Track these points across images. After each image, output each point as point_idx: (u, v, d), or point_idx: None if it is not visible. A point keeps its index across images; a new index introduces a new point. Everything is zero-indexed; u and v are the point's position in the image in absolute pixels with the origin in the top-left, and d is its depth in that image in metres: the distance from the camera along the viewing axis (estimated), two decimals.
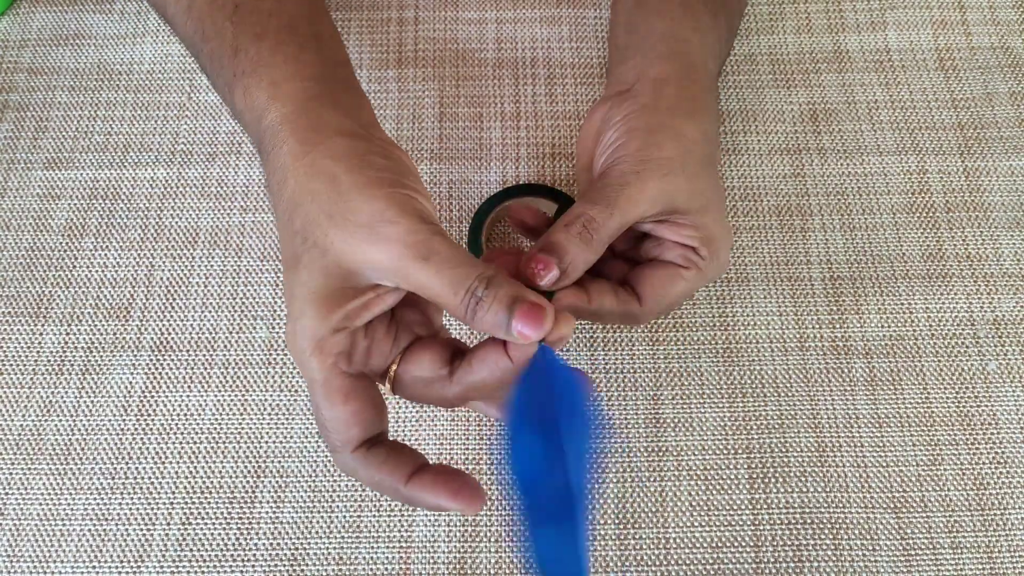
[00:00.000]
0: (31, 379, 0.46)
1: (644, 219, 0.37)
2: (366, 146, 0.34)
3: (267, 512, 0.43)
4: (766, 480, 0.43)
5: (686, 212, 0.37)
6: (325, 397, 0.32)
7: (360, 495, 0.43)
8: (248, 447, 0.44)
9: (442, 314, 0.38)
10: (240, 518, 0.43)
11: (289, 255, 0.33)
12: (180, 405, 0.45)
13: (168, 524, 0.43)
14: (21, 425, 0.45)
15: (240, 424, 0.45)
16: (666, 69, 0.40)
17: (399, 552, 0.42)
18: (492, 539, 0.42)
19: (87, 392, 0.46)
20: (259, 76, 0.35)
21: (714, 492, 0.43)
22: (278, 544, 0.42)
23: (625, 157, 0.38)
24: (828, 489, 0.43)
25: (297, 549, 0.42)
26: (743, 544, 0.42)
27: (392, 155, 0.34)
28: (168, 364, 0.46)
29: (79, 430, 0.45)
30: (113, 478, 0.44)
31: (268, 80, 0.35)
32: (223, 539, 0.43)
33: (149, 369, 0.46)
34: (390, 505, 0.43)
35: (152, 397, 0.45)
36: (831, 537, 0.42)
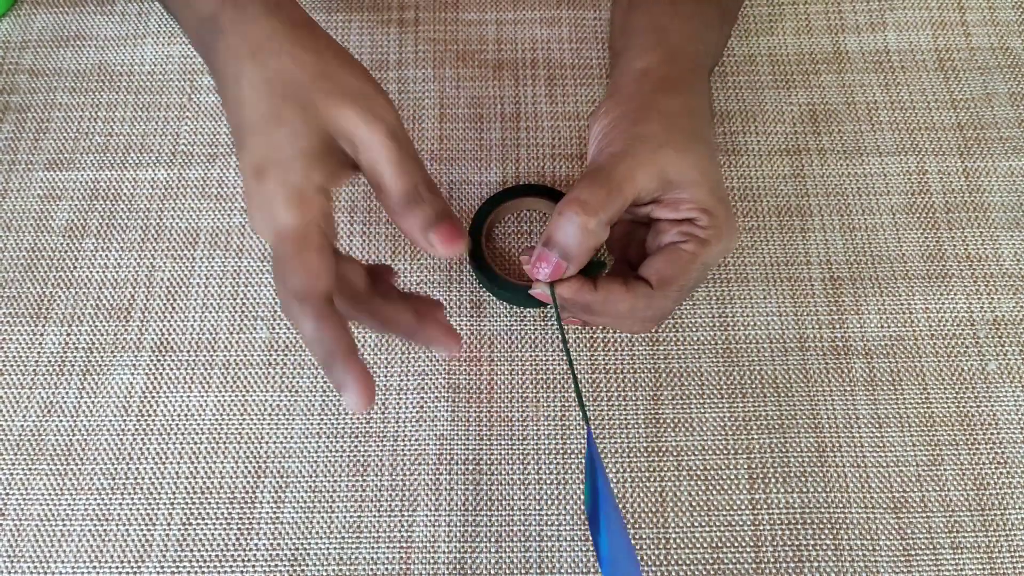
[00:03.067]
0: (32, 379, 0.46)
1: (641, 199, 0.37)
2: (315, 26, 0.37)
3: (267, 512, 0.43)
4: (766, 480, 0.43)
5: (679, 185, 0.37)
6: (300, 248, 0.33)
7: (360, 495, 0.43)
8: (248, 447, 0.44)
9: None
10: (240, 518, 0.43)
11: (260, 116, 0.34)
12: (180, 405, 0.45)
13: (168, 524, 0.43)
14: (22, 425, 0.45)
15: (240, 424, 0.45)
16: (648, 58, 0.41)
17: (399, 552, 0.42)
18: (492, 539, 0.42)
19: (87, 392, 0.46)
20: None
21: (714, 492, 0.43)
22: (278, 544, 0.42)
23: (613, 140, 0.38)
24: (828, 489, 0.43)
25: (297, 549, 0.42)
26: (743, 544, 0.42)
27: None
28: (168, 364, 0.46)
29: (79, 430, 0.45)
30: (113, 478, 0.44)
31: None
32: (223, 539, 0.43)
33: (149, 369, 0.46)
34: (390, 505, 0.43)
35: (152, 397, 0.45)
36: (831, 537, 0.42)
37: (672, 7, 0.42)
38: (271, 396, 0.45)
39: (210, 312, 0.47)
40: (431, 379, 0.46)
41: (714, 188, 0.37)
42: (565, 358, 0.40)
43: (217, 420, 0.45)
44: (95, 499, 0.43)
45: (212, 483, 0.44)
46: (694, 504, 0.43)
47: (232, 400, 0.45)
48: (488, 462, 0.44)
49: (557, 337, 0.47)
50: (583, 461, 0.44)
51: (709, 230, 0.37)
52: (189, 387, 0.46)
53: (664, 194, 0.37)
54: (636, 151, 0.36)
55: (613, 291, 0.37)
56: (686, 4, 0.43)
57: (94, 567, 0.42)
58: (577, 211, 0.35)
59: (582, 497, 0.43)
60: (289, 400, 0.45)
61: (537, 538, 0.42)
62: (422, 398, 0.45)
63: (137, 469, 0.44)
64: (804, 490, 0.43)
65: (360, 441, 0.44)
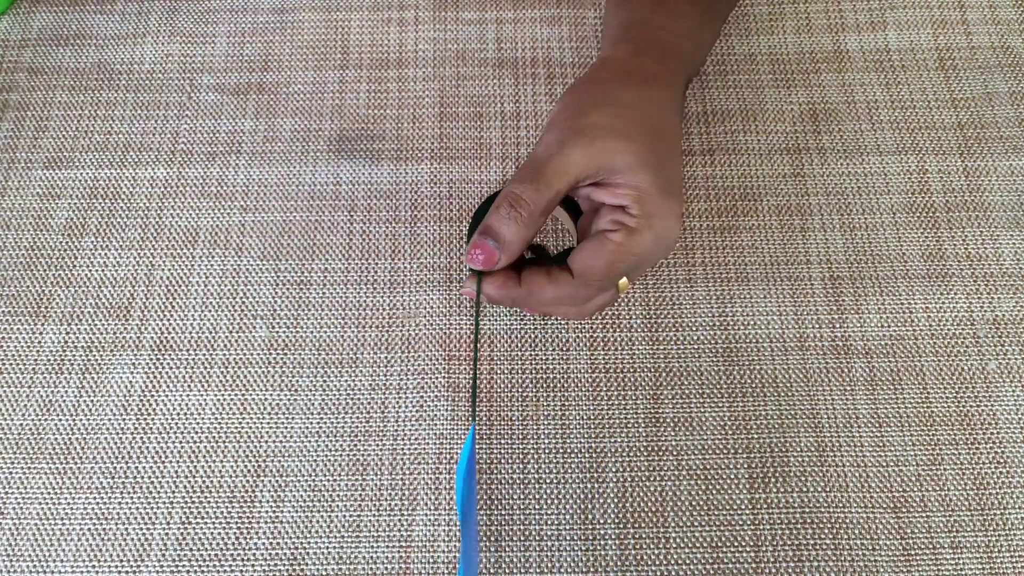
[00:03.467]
0: (31, 378, 0.46)
1: (578, 185, 0.38)
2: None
3: (267, 512, 0.43)
4: (766, 480, 0.43)
5: (619, 171, 0.37)
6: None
7: (360, 494, 0.43)
8: (248, 447, 0.44)
9: None
10: (240, 518, 0.43)
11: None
12: (180, 404, 0.45)
13: (168, 523, 0.43)
14: (21, 424, 0.45)
15: (240, 424, 0.45)
16: (616, 49, 0.41)
17: (399, 552, 0.42)
18: (492, 539, 0.42)
19: (87, 391, 0.46)
20: None
21: (714, 492, 0.43)
22: (278, 544, 0.42)
23: (555, 129, 0.38)
24: (828, 489, 0.43)
25: (297, 549, 0.42)
26: (743, 544, 0.42)
27: None
28: (168, 363, 0.46)
29: (79, 429, 0.45)
30: (113, 477, 0.44)
31: None
32: (223, 539, 0.43)
33: (149, 368, 0.46)
34: (390, 505, 0.43)
35: (152, 396, 0.45)
36: (831, 537, 0.42)
37: (655, 3, 0.43)
38: (271, 395, 0.45)
39: (209, 311, 0.47)
40: (431, 379, 0.46)
41: (655, 176, 0.37)
42: (472, 349, 0.41)
43: (216, 419, 0.45)
44: (94, 498, 0.43)
45: (211, 482, 0.44)
46: (694, 504, 0.43)
47: (231, 399, 0.45)
48: (488, 462, 0.44)
49: (557, 337, 0.46)
50: (583, 461, 0.44)
51: (639, 219, 0.37)
52: (188, 386, 0.46)
53: (606, 178, 0.37)
54: (572, 143, 0.37)
55: (536, 283, 0.39)
56: (670, 2, 0.43)
57: (93, 566, 0.42)
58: (511, 208, 0.37)
59: (581, 496, 0.43)
60: (289, 399, 0.45)
61: (537, 538, 0.42)
62: (422, 398, 0.45)
63: (136, 468, 0.44)
64: (804, 490, 0.43)
65: (360, 441, 0.44)
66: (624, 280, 0.40)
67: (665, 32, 0.43)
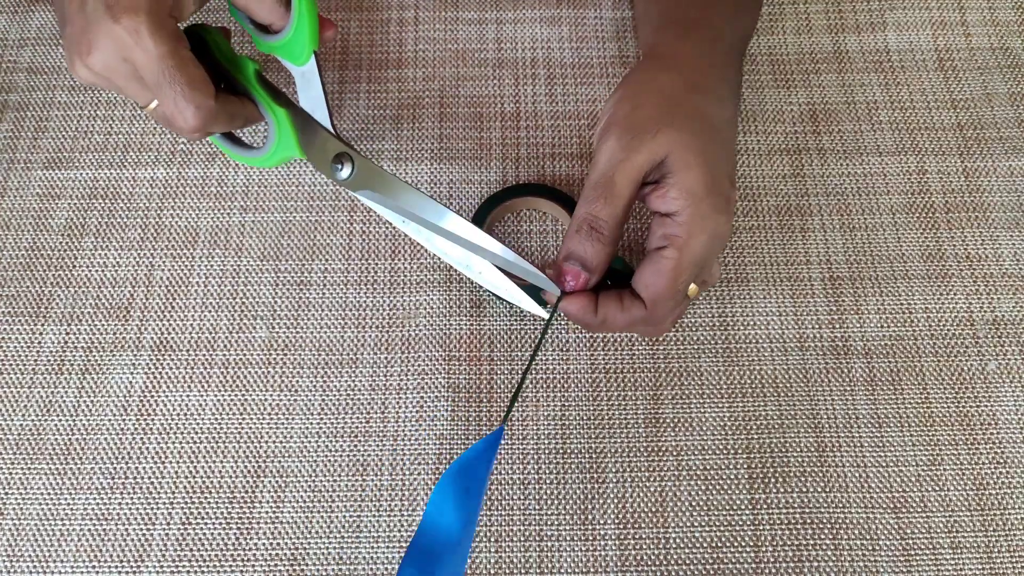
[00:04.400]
0: (31, 379, 0.46)
1: (643, 183, 0.37)
2: None
3: (267, 512, 0.43)
4: (766, 480, 0.43)
5: (671, 170, 0.36)
6: (180, 66, 0.35)
7: (360, 495, 0.43)
8: (248, 447, 0.44)
9: None
10: (240, 518, 0.43)
11: None
12: (180, 405, 0.45)
13: (168, 524, 0.43)
14: (21, 425, 0.45)
15: (240, 424, 0.45)
16: (659, 36, 0.40)
17: (399, 552, 0.42)
18: (492, 539, 0.42)
19: (87, 392, 0.45)
20: None
21: (714, 492, 0.43)
22: (278, 544, 0.42)
23: (610, 131, 0.37)
24: (828, 489, 0.43)
25: (297, 549, 0.42)
26: (743, 544, 0.42)
27: None
28: (168, 364, 0.46)
29: (79, 430, 0.45)
30: (113, 478, 0.44)
31: None
32: (223, 539, 0.42)
33: (149, 369, 0.46)
34: (390, 505, 0.43)
35: (152, 397, 0.45)
36: (831, 537, 0.42)
37: None
38: (270, 395, 0.45)
39: (209, 311, 0.47)
40: (431, 379, 0.46)
41: (704, 173, 0.36)
42: (530, 357, 0.41)
43: (216, 419, 0.45)
44: (94, 498, 0.43)
45: (211, 482, 0.44)
46: (694, 504, 0.43)
47: (231, 399, 0.45)
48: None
49: (557, 337, 0.47)
50: (583, 461, 0.44)
51: (689, 225, 0.36)
52: (188, 386, 0.46)
53: (661, 178, 0.37)
54: (636, 145, 0.36)
55: (610, 311, 0.38)
56: None
57: (93, 567, 0.42)
58: (590, 226, 0.37)
59: (581, 496, 0.43)
60: (288, 399, 0.45)
61: (537, 538, 0.42)
62: (422, 398, 0.45)
63: (136, 468, 0.44)
64: (804, 490, 0.43)
65: (360, 441, 0.44)
66: (693, 286, 0.38)
67: (707, 17, 0.42)
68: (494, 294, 0.47)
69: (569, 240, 0.38)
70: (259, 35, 0.40)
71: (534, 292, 0.41)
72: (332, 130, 0.41)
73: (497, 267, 0.40)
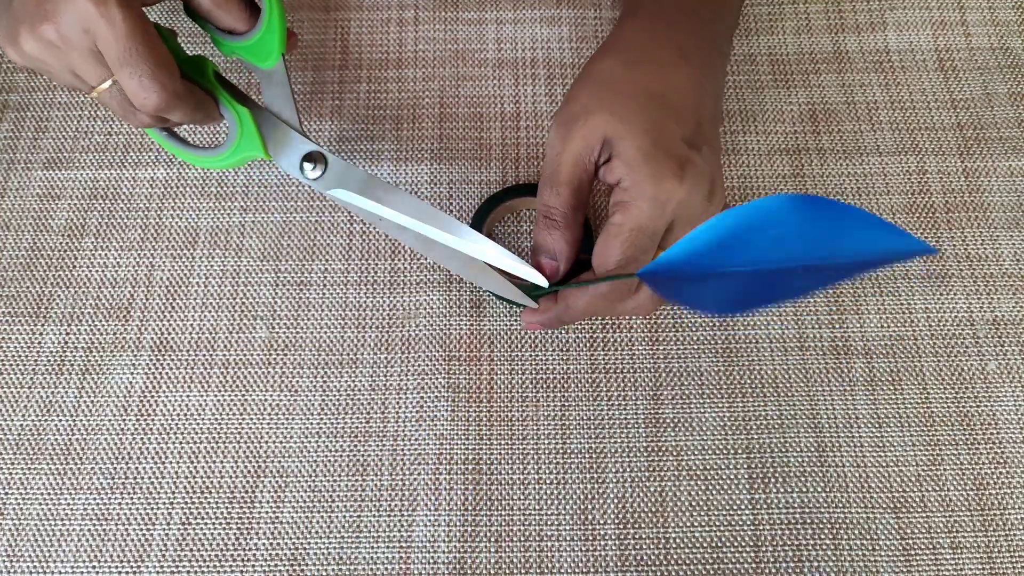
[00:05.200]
0: (31, 379, 0.46)
1: (596, 170, 0.38)
2: None
3: (267, 512, 0.43)
4: (766, 480, 0.43)
5: (613, 145, 0.37)
6: (149, 44, 0.35)
7: (360, 495, 0.43)
8: (248, 447, 0.44)
9: None
10: (240, 518, 0.43)
11: None
12: (180, 405, 0.45)
13: (168, 524, 0.43)
14: (21, 425, 0.45)
15: (240, 424, 0.45)
16: (621, 27, 0.42)
17: (399, 552, 0.42)
18: (492, 539, 0.42)
19: (87, 392, 0.45)
20: None
21: (714, 492, 0.43)
22: (278, 544, 0.42)
23: (553, 126, 0.39)
24: (828, 489, 0.43)
25: (297, 549, 0.42)
26: (743, 544, 0.42)
27: None
28: (168, 364, 0.46)
29: (79, 430, 0.45)
30: (113, 478, 0.44)
31: None
32: (223, 539, 0.42)
33: (149, 369, 0.46)
34: (390, 505, 0.43)
35: (152, 397, 0.45)
36: (831, 537, 0.42)
37: None
38: (270, 396, 0.45)
39: (209, 311, 0.47)
40: (431, 379, 0.46)
41: (645, 138, 0.36)
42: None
43: (216, 420, 0.45)
44: (94, 499, 0.43)
45: (211, 483, 0.44)
46: (694, 504, 0.43)
47: (231, 399, 0.45)
48: (488, 462, 0.44)
49: (557, 337, 0.47)
50: (583, 461, 0.44)
51: (629, 190, 0.36)
52: (188, 386, 0.46)
53: (609, 157, 0.38)
54: (570, 134, 0.38)
55: (569, 295, 0.39)
56: None
57: (93, 567, 0.42)
58: (544, 215, 0.39)
59: (581, 496, 0.43)
60: (288, 399, 0.45)
61: (537, 538, 0.42)
62: (422, 398, 0.45)
63: (136, 468, 0.44)
64: (804, 490, 0.43)
65: (360, 441, 0.44)
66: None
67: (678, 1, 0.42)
68: (495, 294, 0.47)
69: (535, 234, 0.40)
70: (222, 37, 0.40)
71: (526, 288, 0.41)
72: (300, 129, 0.40)
73: (483, 262, 0.41)
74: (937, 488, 0.43)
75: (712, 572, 0.42)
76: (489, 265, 0.40)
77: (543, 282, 0.39)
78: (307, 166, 0.40)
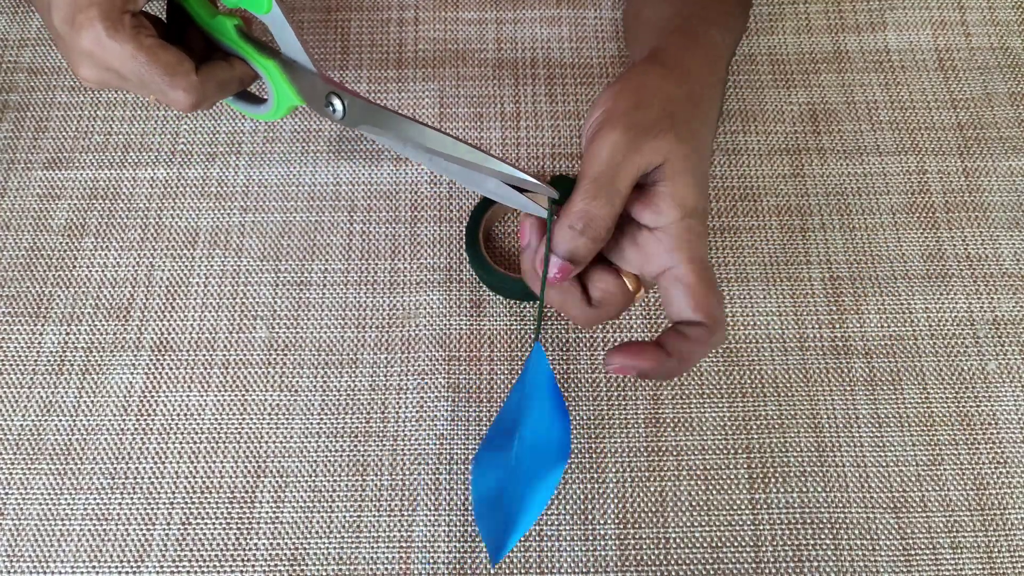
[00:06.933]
0: (31, 379, 0.46)
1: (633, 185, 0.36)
2: None
3: (267, 512, 0.43)
4: (766, 480, 0.43)
5: (666, 176, 0.35)
6: (150, 58, 0.35)
7: (360, 495, 0.43)
8: (248, 447, 0.44)
9: None
10: (240, 518, 0.43)
11: None
12: (180, 405, 0.45)
13: (168, 524, 0.43)
14: (21, 425, 0.45)
15: (240, 424, 0.45)
16: (661, 41, 0.40)
17: (399, 552, 0.42)
18: None
19: (87, 392, 0.45)
20: None
21: (714, 492, 0.43)
22: (278, 544, 0.42)
23: (611, 125, 0.35)
24: (828, 489, 0.43)
25: (297, 549, 0.42)
26: (743, 544, 0.42)
27: None
28: (168, 364, 0.46)
29: (79, 430, 0.45)
30: (113, 478, 0.44)
31: None
32: (223, 539, 0.42)
33: (149, 369, 0.46)
34: (390, 505, 0.43)
35: (152, 397, 0.45)
36: (831, 537, 0.42)
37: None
38: (270, 395, 0.45)
39: (209, 311, 0.47)
40: (431, 379, 0.46)
41: (696, 186, 0.35)
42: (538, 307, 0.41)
43: (216, 420, 0.45)
44: (94, 499, 0.43)
45: (211, 483, 0.44)
46: (694, 504, 0.43)
47: (231, 399, 0.45)
48: None
49: (557, 337, 0.47)
50: (583, 461, 0.44)
51: (670, 240, 0.35)
52: (188, 386, 0.46)
53: (649, 185, 0.35)
54: (637, 146, 0.34)
55: (685, 351, 0.35)
56: None
57: (93, 567, 0.42)
58: (583, 223, 0.34)
59: (581, 496, 0.43)
60: (288, 399, 0.45)
61: (537, 538, 0.42)
62: (422, 398, 0.45)
63: (136, 468, 0.44)
64: (804, 490, 0.43)
65: (360, 441, 0.44)
66: (642, 292, 0.37)
67: (707, 32, 0.41)
68: (491, 289, 0.47)
69: (561, 232, 0.35)
70: None
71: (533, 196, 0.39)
72: (315, 70, 0.40)
73: (498, 178, 0.38)
74: (937, 488, 0.43)
75: (712, 572, 0.42)
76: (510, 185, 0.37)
77: (550, 192, 0.36)
78: (334, 102, 0.40)
